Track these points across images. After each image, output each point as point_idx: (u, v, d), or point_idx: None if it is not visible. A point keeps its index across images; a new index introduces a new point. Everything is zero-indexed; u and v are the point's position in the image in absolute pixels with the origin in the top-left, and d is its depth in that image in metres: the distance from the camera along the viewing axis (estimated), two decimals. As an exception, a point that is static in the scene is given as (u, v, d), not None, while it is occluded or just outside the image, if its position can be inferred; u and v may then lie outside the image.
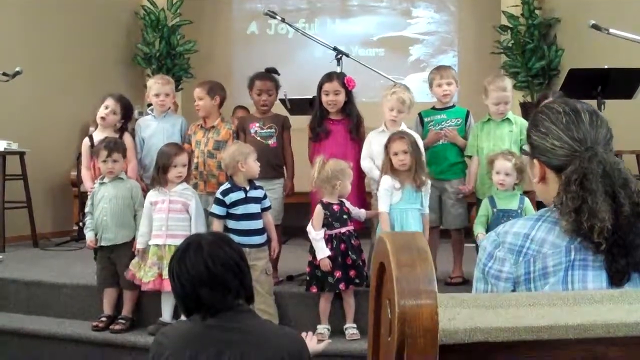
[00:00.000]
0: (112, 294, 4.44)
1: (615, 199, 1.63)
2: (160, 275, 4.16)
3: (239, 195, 4.17)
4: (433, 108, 4.80)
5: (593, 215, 1.60)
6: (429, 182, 4.19)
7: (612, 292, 1.46)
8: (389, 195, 4.08)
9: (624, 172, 1.66)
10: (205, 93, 4.72)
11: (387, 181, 4.09)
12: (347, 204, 4.18)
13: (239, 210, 4.15)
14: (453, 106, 4.78)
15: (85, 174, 4.77)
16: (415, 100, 4.47)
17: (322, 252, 4.03)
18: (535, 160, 1.80)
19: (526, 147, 1.86)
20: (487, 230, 3.91)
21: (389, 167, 4.08)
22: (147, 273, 4.17)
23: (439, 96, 4.71)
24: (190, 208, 4.26)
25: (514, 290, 1.70)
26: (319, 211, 4.10)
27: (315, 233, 4.06)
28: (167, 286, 4.14)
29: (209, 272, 2.20)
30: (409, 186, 4.07)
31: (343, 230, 4.09)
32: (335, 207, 4.11)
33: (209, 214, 4.28)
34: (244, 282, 2.29)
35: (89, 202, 4.49)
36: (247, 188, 4.19)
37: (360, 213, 4.23)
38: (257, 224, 4.17)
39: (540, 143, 1.76)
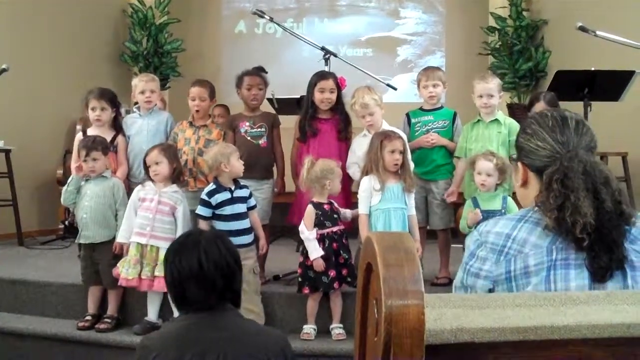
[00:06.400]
0: (96, 293, 4.41)
1: (597, 196, 1.66)
2: (140, 274, 4.15)
3: (225, 195, 4.15)
4: (421, 109, 4.80)
5: (576, 211, 1.63)
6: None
7: (597, 294, 1.47)
8: (368, 197, 4.08)
9: (604, 171, 1.70)
10: (207, 94, 4.74)
11: (365, 183, 4.09)
12: (336, 204, 4.18)
13: (226, 210, 4.13)
14: (441, 107, 4.77)
15: (74, 166, 4.71)
16: (381, 95, 4.47)
17: (316, 251, 4.00)
18: (519, 164, 1.84)
19: (514, 152, 1.90)
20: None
21: (380, 165, 4.03)
22: (130, 270, 4.14)
23: (425, 97, 4.72)
24: (177, 212, 4.23)
25: (492, 289, 1.72)
26: (310, 211, 4.08)
27: (309, 233, 4.03)
28: (144, 286, 4.14)
29: (200, 269, 2.25)
30: (391, 186, 4.06)
31: (335, 229, 4.08)
32: (325, 206, 4.10)
33: (195, 215, 4.26)
34: (232, 285, 2.32)
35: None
36: (233, 188, 4.18)
37: (346, 213, 4.22)
38: (244, 224, 4.16)
39: (526, 144, 1.81)
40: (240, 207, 4.18)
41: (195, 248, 2.28)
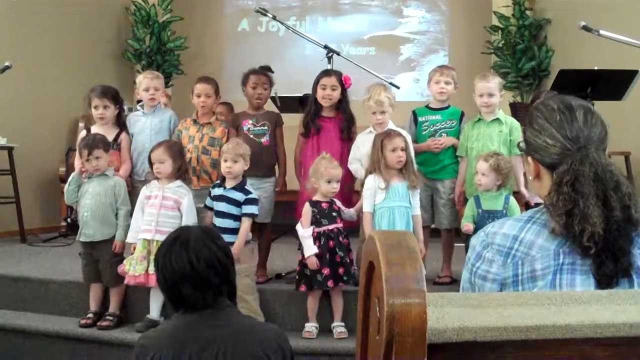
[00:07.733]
0: (97, 290, 4.42)
1: (606, 203, 1.62)
2: (147, 270, 4.15)
3: (219, 191, 4.25)
4: (427, 107, 4.78)
5: (584, 220, 1.60)
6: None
7: (600, 293, 1.46)
8: (372, 195, 4.08)
9: (615, 175, 1.65)
10: (212, 91, 4.74)
11: (370, 181, 4.09)
12: (338, 203, 4.18)
13: (214, 205, 4.25)
14: (448, 107, 4.74)
15: (78, 165, 4.70)
16: (395, 95, 4.48)
17: (310, 249, 4.02)
18: (529, 158, 1.80)
19: (522, 144, 1.86)
20: (474, 231, 3.90)
21: (382, 164, 4.04)
22: (137, 267, 4.15)
23: (434, 93, 4.69)
24: (182, 206, 4.23)
25: (500, 292, 1.70)
26: (307, 209, 4.10)
27: (304, 230, 4.06)
28: (152, 281, 4.14)
29: (192, 269, 2.23)
30: (395, 185, 4.06)
31: (331, 227, 4.09)
32: (323, 204, 4.11)
33: (203, 206, 4.32)
34: (226, 280, 2.32)
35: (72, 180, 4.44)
36: (227, 187, 4.22)
37: (350, 213, 4.23)
38: (227, 223, 4.17)
39: (534, 140, 1.75)
40: (224, 206, 4.21)
41: (184, 249, 2.25)
